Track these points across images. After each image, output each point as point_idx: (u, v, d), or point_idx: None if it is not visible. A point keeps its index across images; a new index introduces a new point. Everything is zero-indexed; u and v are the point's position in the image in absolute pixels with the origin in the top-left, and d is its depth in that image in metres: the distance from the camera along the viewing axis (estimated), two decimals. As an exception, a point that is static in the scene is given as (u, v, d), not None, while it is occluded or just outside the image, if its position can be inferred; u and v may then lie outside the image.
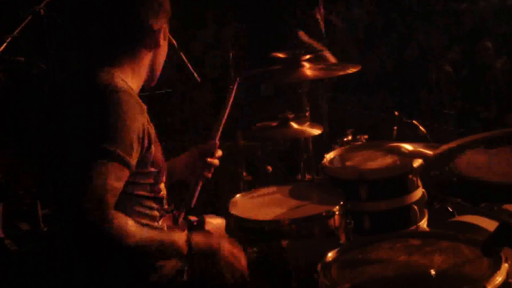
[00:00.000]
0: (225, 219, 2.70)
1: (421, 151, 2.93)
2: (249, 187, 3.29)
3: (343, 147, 3.34)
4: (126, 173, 1.93)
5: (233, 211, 2.74)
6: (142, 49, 2.12)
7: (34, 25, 3.34)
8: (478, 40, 7.03)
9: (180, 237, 2.01)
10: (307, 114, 3.46)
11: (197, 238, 2.05)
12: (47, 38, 3.33)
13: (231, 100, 2.68)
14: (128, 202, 2.03)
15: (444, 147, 2.23)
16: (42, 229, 4.14)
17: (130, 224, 1.87)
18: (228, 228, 2.70)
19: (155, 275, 2.10)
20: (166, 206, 2.23)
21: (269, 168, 3.95)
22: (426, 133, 3.56)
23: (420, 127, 3.60)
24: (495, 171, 2.02)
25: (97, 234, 1.80)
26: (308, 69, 3.32)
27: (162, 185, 2.20)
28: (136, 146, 1.95)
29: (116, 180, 1.87)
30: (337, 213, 2.66)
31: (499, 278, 1.92)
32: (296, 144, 3.65)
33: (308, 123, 3.38)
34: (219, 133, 2.57)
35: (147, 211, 2.12)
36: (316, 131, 3.30)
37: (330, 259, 2.20)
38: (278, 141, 4.34)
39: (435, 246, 2.20)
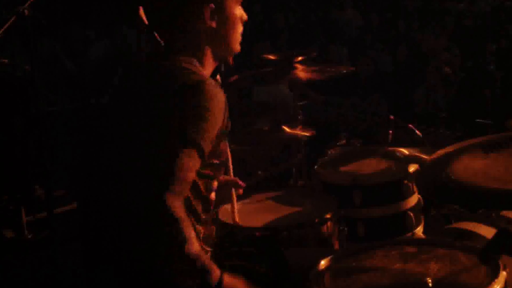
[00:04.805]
0: (214, 226, 2.65)
1: (417, 156, 2.91)
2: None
3: (337, 152, 3.30)
4: (199, 163, 1.90)
5: (223, 217, 2.68)
6: (195, 32, 2.04)
7: (18, 26, 3.29)
8: (478, 42, 7.03)
9: (215, 269, 1.89)
10: (299, 117, 3.42)
11: (228, 279, 1.93)
12: (32, 39, 3.27)
13: None
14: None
15: (441, 151, 2.20)
16: (26, 236, 4.10)
17: (193, 234, 1.81)
18: (217, 236, 2.64)
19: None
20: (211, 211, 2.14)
21: (261, 173, 3.92)
22: (422, 137, 3.54)
23: (417, 131, 3.57)
24: (493, 176, 1.99)
25: (164, 230, 1.76)
26: (300, 71, 3.27)
27: (215, 183, 2.12)
28: (214, 137, 1.93)
29: (192, 171, 1.86)
30: (330, 219, 2.62)
31: (497, 287, 1.87)
32: (288, 149, 3.60)
33: (300, 127, 3.34)
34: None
35: (196, 207, 2.04)
36: (309, 135, 3.26)
37: (323, 267, 2.14)
38: (270, 145, 4.31)
39: (431, 254, 2.16)
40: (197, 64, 2.03)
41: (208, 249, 2.15)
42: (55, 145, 3.91)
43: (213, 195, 2.11)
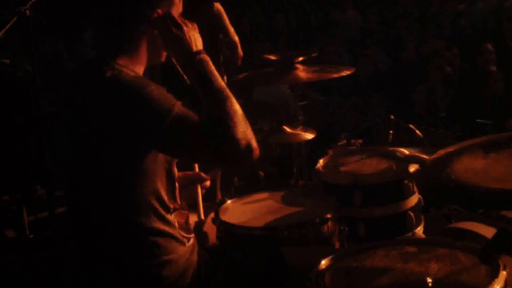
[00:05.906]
0: (215, 225, 2.65)
1: (417, 156, 2.90)
2: (241, 192, 3.22)
3: (337, 152, 3.30)
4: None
5: (224, 217, 2.69)
6: (137, 34, 2.08)
7: (20, 27, 3.29)
8: (477, 42, 7.02)
9: None
10: (299, 118, 3.42)
11: None
12: (33, 39, 3.27)
13: None
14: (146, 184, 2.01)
15: (441, 151, 2.19)
16: (27, 236, 4.11)
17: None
18: (218, 235, 2.65)
19: (166, 271, 2.05)
20: (178, 199, 2.16)
21: (261, 173, 3.92)
22: (422, 137, 3.53)
23: (417, 131, 3.57)
24: (493, 176, 1.98)
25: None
26: (301, 72, 3.27)
27: (175, 169, 2.14)
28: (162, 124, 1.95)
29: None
30: (330, 219, 2.61)
31: (497, 286, 1.88)
32: (289, 149, 3.60)
33: (301, 127, 3.34)
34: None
35: (162, 197, 2.07)
36: (309, 136, 3.26)
37: (323, 267, 2.14)
38: (271, 145, 4.30)
39: (431, 254, 2.15)
40: (125, 65, 2.04)
41: (189, 235, 2.15)
42: (56, 145, 3.91)
43: (175, 183, 2.13)
